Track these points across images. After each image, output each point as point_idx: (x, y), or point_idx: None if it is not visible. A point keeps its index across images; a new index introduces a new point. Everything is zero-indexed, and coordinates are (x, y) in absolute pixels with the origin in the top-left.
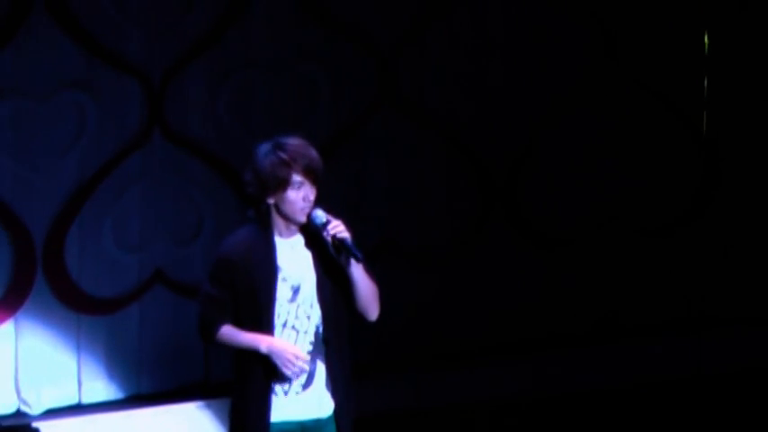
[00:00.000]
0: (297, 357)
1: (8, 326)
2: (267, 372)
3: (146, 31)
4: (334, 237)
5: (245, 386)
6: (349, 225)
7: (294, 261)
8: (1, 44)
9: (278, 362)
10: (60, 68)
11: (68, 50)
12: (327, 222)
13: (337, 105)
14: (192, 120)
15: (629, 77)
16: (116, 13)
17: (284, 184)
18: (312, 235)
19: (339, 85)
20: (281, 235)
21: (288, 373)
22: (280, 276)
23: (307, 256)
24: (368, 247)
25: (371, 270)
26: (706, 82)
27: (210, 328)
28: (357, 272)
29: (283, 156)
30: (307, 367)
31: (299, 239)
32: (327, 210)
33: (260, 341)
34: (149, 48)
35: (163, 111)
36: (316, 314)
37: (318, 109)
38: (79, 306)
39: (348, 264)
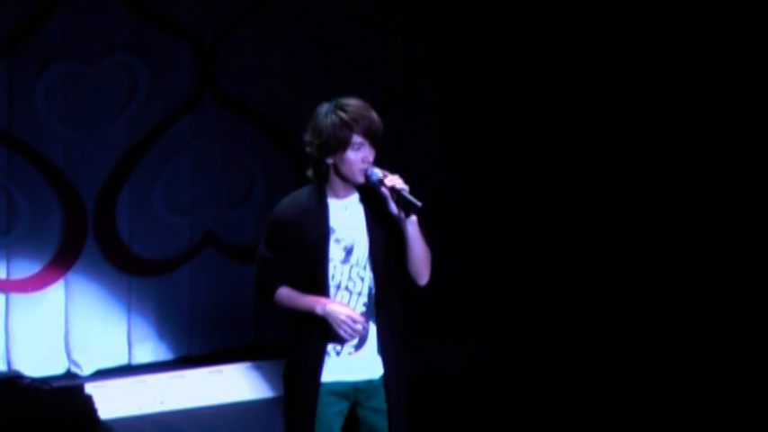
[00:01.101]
0: (353, 319)
1: (59, 287)
2: (322, 333)
3: None
4: (392, 188)
5: (300, 347)
6: (405, 179)
7: (348, 222)
8: (50, 9)
9: (333, 323)
10: (110, 32)
11: (118, 14)
12: (384, 177)
13: (387, 69)
14: (243, 82)
15: (681, 43)
16: None
17: (344, 144)
18: (368, 194)
19: (389, 48)
20: (336, 196)
21: (343, 334)
22: (332, 237)
23: (361, 218)
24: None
25: (426, 234)
26: (758, 50)
27: (267, 290)
28: (413, 230)
29: (344, 116)
30: (361, 329)
31: (353, 201)
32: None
33: (316, 303)
34: (199, 10)
35: (213, 73)
36: (369, 276)
37: (368, 72)
38: (130, 268)
39: (406, 218)
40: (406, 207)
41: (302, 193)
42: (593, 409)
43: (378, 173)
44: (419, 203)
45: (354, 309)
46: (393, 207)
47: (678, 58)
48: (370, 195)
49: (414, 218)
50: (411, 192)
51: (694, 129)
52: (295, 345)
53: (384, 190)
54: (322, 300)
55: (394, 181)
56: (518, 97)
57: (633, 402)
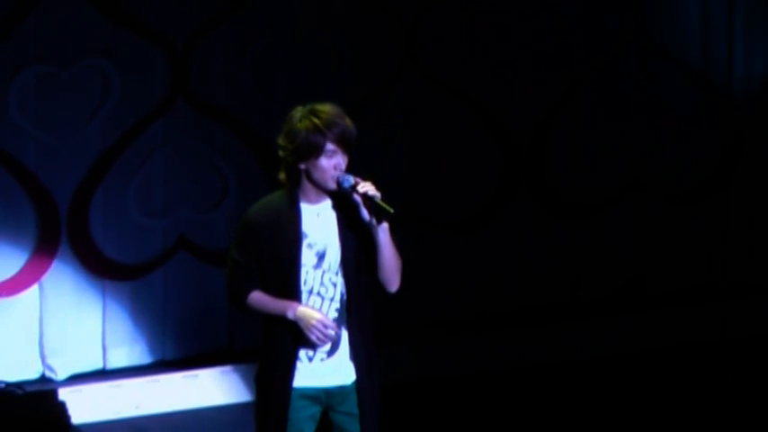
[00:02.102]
0: (324, 325)
1: (33, 291)
2: (294, 338)
3: None
4: (364, 195)
5: (271, 351)
6: (377, 185)
7: (320, 227)
8: (24, 11)
9: (305, 328)
10: (83, 35)
11: (91, 17)
12: (356, 183)
13: (360, 72)
14: (216, 86)
15: (650, 44)
16: None
17: (317, 150)
18: (340, 200)
19: (361, 51)
20: (308, 201)
21: (314, 339)
22: (305, 242)
23: (333, 223)
24: (390, 215)
25: (396, 241)
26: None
27: (239, 295)
28: (384, 237)
29: (318, 122)
30: (333, 334)
31: (326, 206)
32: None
33: (287, 307)
34: (172, 14)
35: (186, 77)
36: (341, 282)
37: (340, 76)
38: (104, 272)
39: (377, 225)
40: (378, 214)
41: (274, 198)
42: (573, 412)
43: (350, 179)
44: (391, 210)
45: (327, 314)
46: (365, 214)
47: (648, 63)
48: (343, 201)
49: (385, 225)
50: (383, 198)
51: (668, 131)
52: (266, 349)
53: (356, 197)
54: (294, 304)
55: (366, 187)
56: (490, 100)
57: (612, 405)
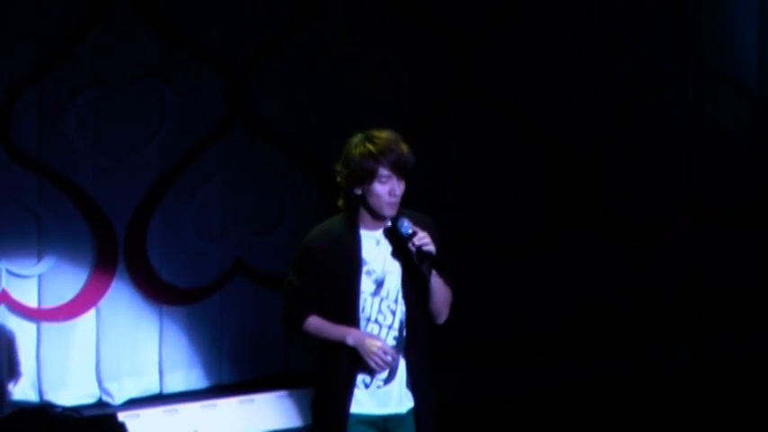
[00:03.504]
0: (384, 352)
1: (90, 316)
2: (352, 363)
3: (226, 20)
4: (419, 249)
5: (328, 377)
6: (434, 238)
7: (379, 255)
8: (82, 35)
9: (365, 354)
10: (140, 58)
11: (148, 40)
12: (414, 234)
13: (416, 94)
14: (273, 110)
15: (706, 69)
16: (196, 2)
17: (371, 176)
18: (397, 237)
19: (419, 73)
20: (366, 227)
21: (373, 365)
22: (364, 269)
23: (391, 251)
24: (446, 239)
25: (447, 277)
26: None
27: (296, 319)
28: (436, 281)
29: (372, 148)
30: (392, 362)
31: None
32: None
33: (347, 333)
34: (230, 38)
35: (243, 101)
36: (400, 309)
37: (398, 98)
38: (160, 296)
39: (429, 273)
40: (430, 265)
41: (334, 223)
42: None
43: (408, 228)
44: (445, 268)
45: (385, 341)
46: (416, 261)
47: (704, 88)
48: (400, 240)
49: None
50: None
51: (723, 157)
52: (323, 374)
53: (411, 246)
54: (353, 331)
55: (422, 241)
56: (549, 125)
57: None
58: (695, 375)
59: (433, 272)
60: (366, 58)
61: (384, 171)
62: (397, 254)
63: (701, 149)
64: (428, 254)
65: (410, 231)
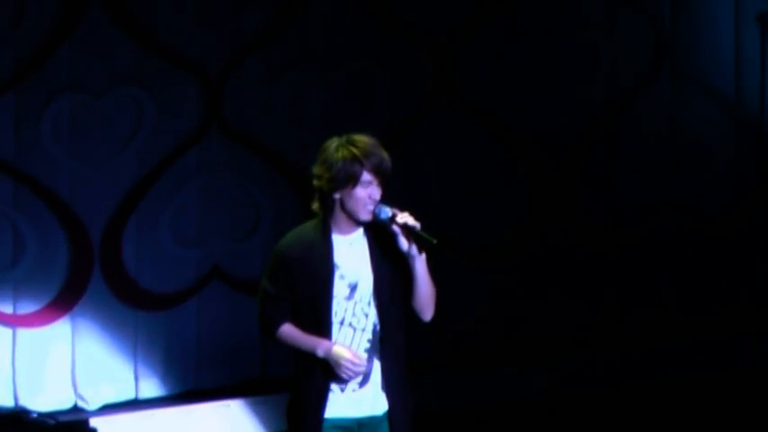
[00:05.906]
0: (354, 364)
1: (65, 322)
2: (325, 371)
3: (202, 27)
4: (404, 226)
5: (302, 382)
6: (415, 215)
7: (352, 258)
8: (58, 40)
9: (335, 366)
10: (117, 64)
11: (125, 46)
12: (394, 215)
13: (393, 102)
14: (249, 115)
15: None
16: (172, 8)
17: (354, 180)
18: (372, 231)
19: (395, 81)
20: (340, 231)
21: (344, 376)
22: (337, 274)
23: (365, 254)
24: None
25: (431, 270)
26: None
27: (270, 326)
28: (421, 267)
29: (355, 152)
30: (363, 370)
31: (358, 237)
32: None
33: (317, 345)
34: (206, 44)
35: (219, 106)
36: (373, 312)
37: (374, 105)
38: (136, 302)
39: (416, 255)
40: (419, 244)
41: (307, 229)
42: None
43: (387, 211)
44: (434, 240)
45: (359, 345)
46: (403, 244)
47: (680, 92)
48: (375, 231)
49: (423, 255)
50: (422, 228)
51: (699, 161)
52: (298, 380)
53: (395, 227)
54: (324, 342)
55: (405, 218)
56: (524, 130)
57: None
58: (674, 381)
59: (419, 258)
60: (342, 64)
61: (367, 175)
62: (372, 251)
63: (678, 155)
64: (413, 228)
65: (390, 214)
